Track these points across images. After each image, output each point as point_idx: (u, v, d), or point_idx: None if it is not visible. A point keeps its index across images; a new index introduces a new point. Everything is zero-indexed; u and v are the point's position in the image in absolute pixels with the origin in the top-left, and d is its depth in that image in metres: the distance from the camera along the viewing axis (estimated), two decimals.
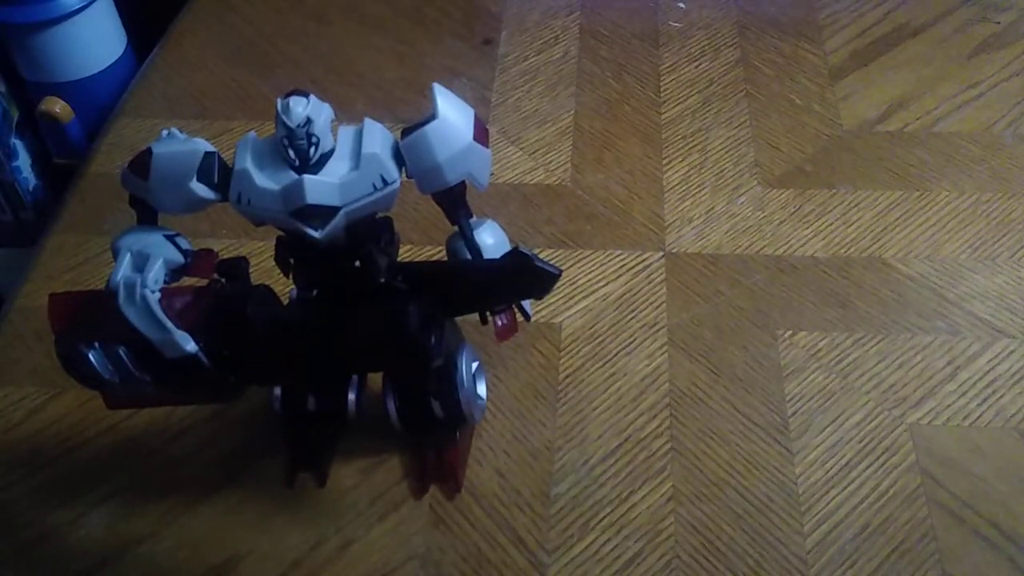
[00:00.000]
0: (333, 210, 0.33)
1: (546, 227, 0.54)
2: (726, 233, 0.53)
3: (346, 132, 0.34)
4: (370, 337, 0.36)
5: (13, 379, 0.49)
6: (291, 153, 0.32)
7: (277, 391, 0.42)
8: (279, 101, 0.32)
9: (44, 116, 0.87)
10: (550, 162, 0.58)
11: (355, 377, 0.42)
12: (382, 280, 0.36)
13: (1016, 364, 0.47)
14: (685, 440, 0.44)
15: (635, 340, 0.48)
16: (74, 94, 0.87)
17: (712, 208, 0.55)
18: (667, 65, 0.64)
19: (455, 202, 0.35)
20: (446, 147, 0.33)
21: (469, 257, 0.36)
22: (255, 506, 0.43)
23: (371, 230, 0.36)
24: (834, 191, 0.56)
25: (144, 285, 0.33)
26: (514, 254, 0.35)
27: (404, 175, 0.34)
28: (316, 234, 0.33)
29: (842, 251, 0.53)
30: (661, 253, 0.52)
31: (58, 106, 0.86)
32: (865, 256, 0.52)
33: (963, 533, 0.40)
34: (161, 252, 0.34)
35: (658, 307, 0.50)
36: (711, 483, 0.43)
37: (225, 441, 0.45)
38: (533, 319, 0.46)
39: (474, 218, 0.36)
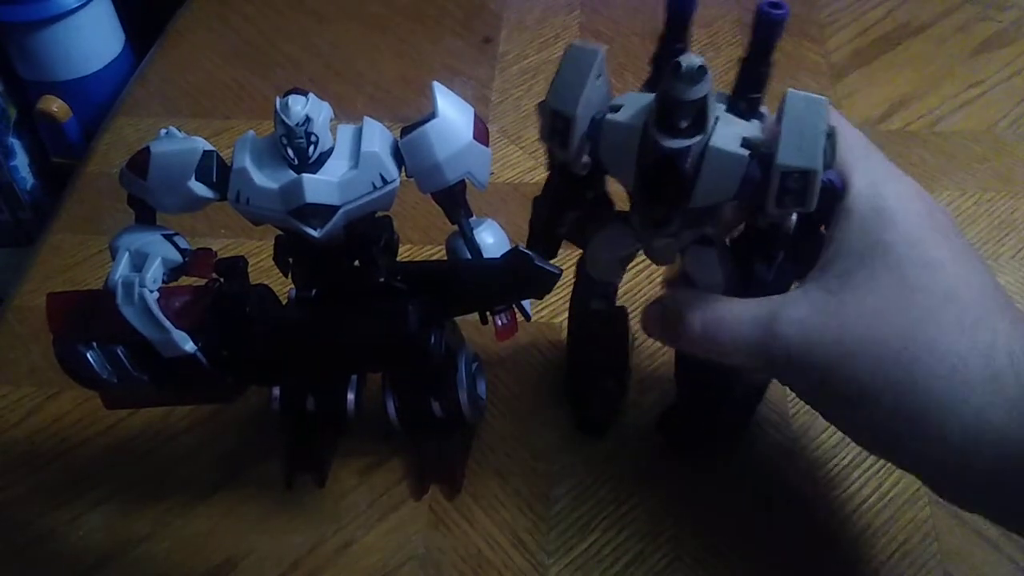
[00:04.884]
0: (332, 209, 0.33)
1: None
2: None
3: (345, 131, 0.34)
4: (370, 337, 0.36)
5: (11, 379, 0.48)
6: (290, 152, 0.32)
7: (277, 391, 0.42)
8: (278, 100, 0.32)
9: (42, 115, 0.87)
10: None
11: (355, 377, 0.42)
12: (382, 280, 0.36)
13: None
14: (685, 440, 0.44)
15: (635, 340, 0.48)
16: (72, 93, 0.87)
17: None
18: None
19: (455, 201, 0.35)
20: (446, 146, 0.33)
21: (469, 256, 0.36)
22: (255, 506, 0.43)
23: (371, 229, 0.36)
24: None
25: (142, 284, 0.33)
26: (514, 254, 0.35)
27: (404, 174, 0.34)
28: (315, 233, 0.33)
29: None
30: None
31: (56, 105, 0.86)
32: None
33: (964, 533, 0.40)
34: (159, 251, 0.34)
35: None
36: (712, 482, 0.43)
37: (225, 441, 0.45)
38: (533, 319, 0.45)
39: (474, 217, 0.36)
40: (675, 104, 0.29)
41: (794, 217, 0.34)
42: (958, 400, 0.31)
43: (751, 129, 0.32)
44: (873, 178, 0.34)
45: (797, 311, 0.33)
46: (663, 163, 0.30)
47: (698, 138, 0.30)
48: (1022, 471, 0.31)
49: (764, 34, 0.32)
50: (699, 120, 0.30)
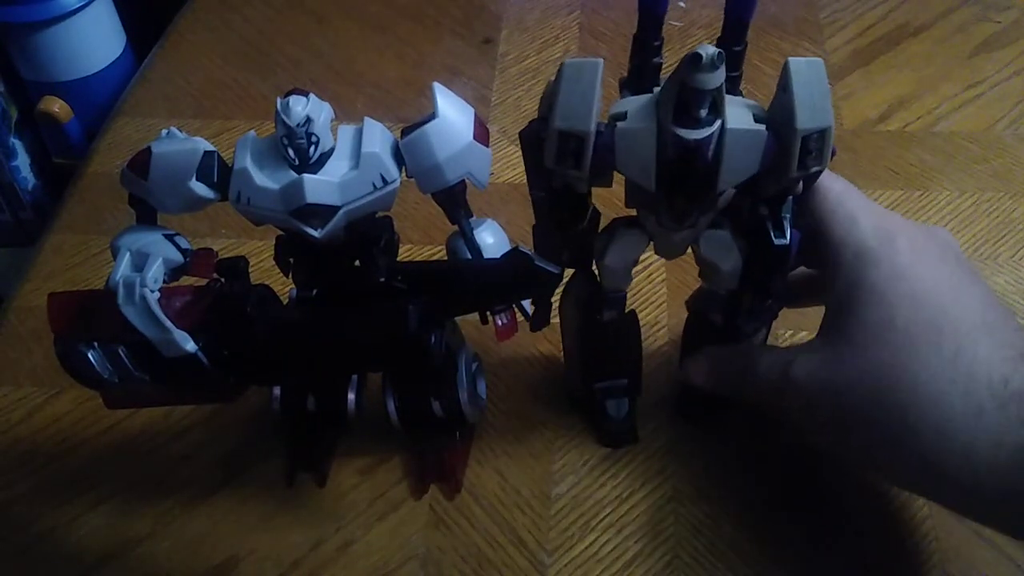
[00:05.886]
0: (333, 209, 0.33)
1: None
2: None
3: (346, 131, 0.34)
4: (370, 337, 0.36)
5: (12, 379, 0.48)
6: (291, 152, 0.32)
7: (277, 391, 0.42)
8: (279, 100, 0.32)
9: (43, 116, 0.87)
10: None
11: (355, 377, 0.42)
12: (382, 280, 0.36)
13: None
14: (685, 439, 0.44)
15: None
16: (73, 93, 0.87)
17: None
18: (668, 64, 0.64)
19: (455, 201, 0.35)
20: (446, 146, 0.33)
21: (469, 256, 0.36)
22: (255, 506, 0.43)
23: (371, 230, 0.36)
24: None
25: (143, 284, 0.33)
26: (514, 254, 0.35)
27: (404, 174, 0.34)
28: (316, 234, 0.33)
29: None
30: None
31: (57, 105, 0.86)
32: None
33: (964, 533, 0.40)
34: (160, 251, 0.34)
35: (658, 307, 0.50)
36: (712, 482, 0.43)
37: (225, 441, 0.45)
38: None
39: (474, 218, 0.36)
40: (696, 94, 0.30)
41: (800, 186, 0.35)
42: (944, 436, 0.32)
43: (749, 104, 0.32)
44: (854, 225, 0.35)
45: (805, 357, 0.36)
46: (688, 156, 0.31)
47: (717, 124, 0.31)
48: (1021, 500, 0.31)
49: (737, 12, 0.33)
50: (716, 106, 0.31)
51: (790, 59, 0.31)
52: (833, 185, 0.36)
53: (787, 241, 0.34)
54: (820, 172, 0.33)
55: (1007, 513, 0.32)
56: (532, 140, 0.33)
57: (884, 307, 0.34)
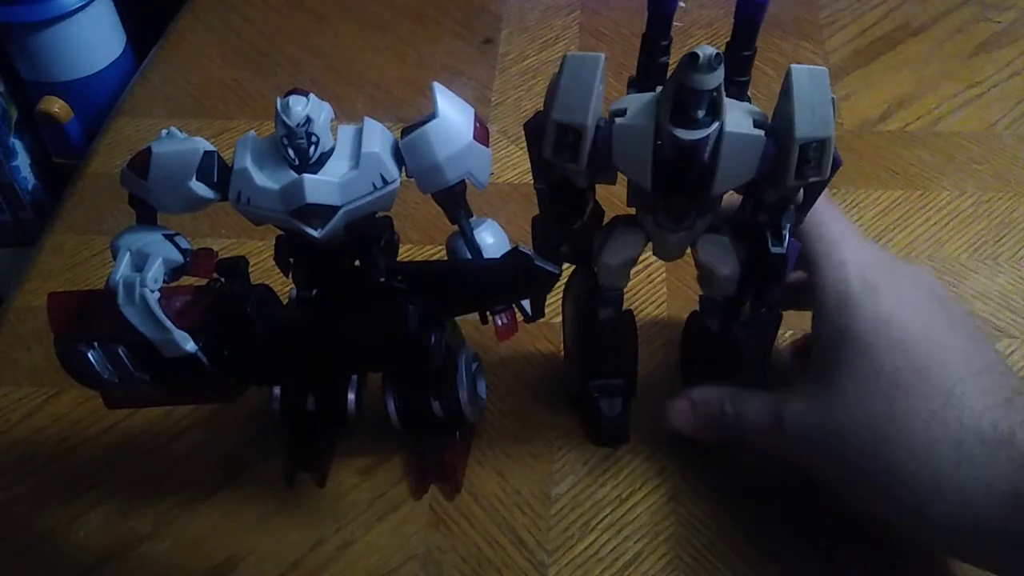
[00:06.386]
0: (333, 209, 0.33)
1: None
2: None
3: (346, 131, 0.34)
4: (370, 337, 0.36)
5: (12, 379, 0.48)
6: (291, 152, 0.32)
7: (277, 391, 0.42)
8: (279, 100, 0.32)
9: (43, 116, 0.87)
10: None
11: (355, 377, 0.42)
12: (382, 280, 0.36)
13: (1017, 364, 0.47)
14: (685, 439, 0.44)
15: None
16: (73, 93, 0.87)
17: None
18: (671, 63, 0.64)
19: (455, 201, 0.35)
20: (446, 146, 0.33)
21: (469, 256, 0.36)
22: (255, 506, 0.43)
23: (371, 230, 0.36)
24: (835, 191, 0.56)
25: (143, 284, 0.33)
26: (514, 254, 0.35)
27: (404, 174, 0.34)
28: (316, 234, 0.33)
29: None
30: None
31: (57, 105, 0.86)
32: None
33: None
34: (160, 251, 0.34)
35: (659, 307, 0.50)
36: (712, 482, 0.43)
37: (225, 441, 0.45)
38: None
39: (474, 218, 0.36)
40: (693, 94, 0.30)
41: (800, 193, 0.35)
42: (938, 487, 0.32)
43: (751, 109, 0.32)
44: (842, 270, 0.35)
45: (796, 403, 0.36)
46: (683, 157, 0.31)
47: (715, 126, 0.31)
48: (1017, 550, 0.31)
49: (747, 15, 0.33)
50: (714, 108, 0.30)
51: (792, 67, 0.31)
52: (832, 225, 0.36)
53: (783, 250, 0.34)
54: (821, 183, 0.33)
55: (1008, 559, 0.32)
56: (536, 132, 0.34)
57: (870, 357, 0.34)
